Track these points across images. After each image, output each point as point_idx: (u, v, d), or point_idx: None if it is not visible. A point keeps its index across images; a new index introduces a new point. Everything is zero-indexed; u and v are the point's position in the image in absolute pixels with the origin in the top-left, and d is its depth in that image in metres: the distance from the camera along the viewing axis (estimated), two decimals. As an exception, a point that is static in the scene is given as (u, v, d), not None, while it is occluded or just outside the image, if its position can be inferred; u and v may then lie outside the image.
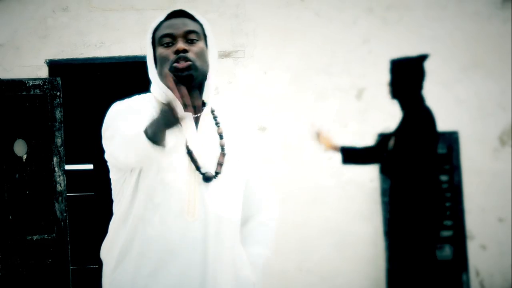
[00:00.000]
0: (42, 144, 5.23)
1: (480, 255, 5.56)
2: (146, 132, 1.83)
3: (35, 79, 5.29)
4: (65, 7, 5.64)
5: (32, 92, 5.25)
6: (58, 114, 5.27)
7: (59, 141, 5.24)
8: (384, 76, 5.63)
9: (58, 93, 5.28)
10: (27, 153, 5.22)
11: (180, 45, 2.04)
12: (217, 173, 2.04)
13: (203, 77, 2.09)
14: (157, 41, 2.10)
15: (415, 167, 4.12)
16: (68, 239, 5.25)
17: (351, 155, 4.57)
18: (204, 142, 2.06)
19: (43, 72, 5.56)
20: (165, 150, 1.86)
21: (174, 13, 2.12)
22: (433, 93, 5.33)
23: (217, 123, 2.11)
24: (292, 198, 5.59)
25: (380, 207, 5.52)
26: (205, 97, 2.11)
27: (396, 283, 4.42)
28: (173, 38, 2.06)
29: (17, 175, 5.19)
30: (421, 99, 4.29)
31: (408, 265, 4.16)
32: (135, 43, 5.59)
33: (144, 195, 2.02)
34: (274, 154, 5.62)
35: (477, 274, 5.56)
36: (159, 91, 2.08)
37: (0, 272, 5.11)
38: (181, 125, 1.89)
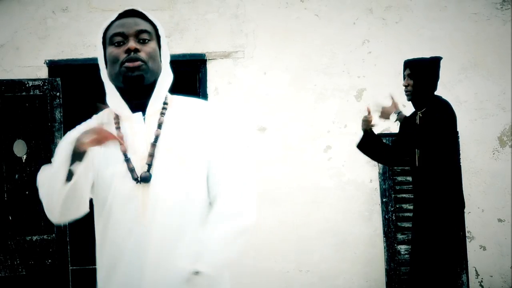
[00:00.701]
0: (41, 145, 5.23)
1: (479, 255, 5.56)
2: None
3: (34, 80, 5.29)
4: (65, 7, 5.64)
5: (31, 93, 5.25)
6: (58, 114, 5.27)
7: (58, 141, 5.23)
8: (384, 77, 5.65)
9: (58, 94, 5.28)
10: (27, 153, 5.22)
11: (132, 44, 1.99)
12: (149, 166, 1.98)
13: (155, 77, 2.03)
14: (108, 40, 2.05)
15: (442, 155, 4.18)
16: (68, 239, 5.25)
17: (369, 144, 4.53)
18: (146, 140, 2.01)
19: (43, 73, 5.56)
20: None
21: (126, 13, 2.08)
22: (433, 93, 5.34)
23: (161, 113, 2.04)
24: (291, 198, 5.58)
25: (380, 207, 5.52)
26: (155, 97, 2.04)
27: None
28: (125, 37, 2.02)
29: (16, 176, 5.19)
30: (436, 99, 4.31)
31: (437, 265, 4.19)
32: (135, 43, 5.59)
33: (100, 206, 2.05)
34: (274, 155, 5.62)
35: (477, 274, 5.55)
36: (112, 98, 2.06)
37: (0, 272, 5.11)
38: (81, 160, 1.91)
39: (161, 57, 2.07)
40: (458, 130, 5.52)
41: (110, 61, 2.02)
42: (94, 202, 2.09)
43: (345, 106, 5.66)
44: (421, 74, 4.26)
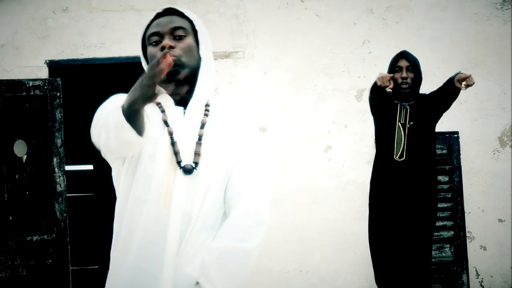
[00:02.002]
0: (42, 145, 5.24)
1: (480, 255, 5.56)
2: (123, 106, 1.87)
3: (35, 80, 5.29)
4: (65, 7, 5.64)
5: (32, 93, 5.25)
6: (58, 114, 5.27)
7: (59, 141, 5.24)
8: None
9: (58, 94, 5.28)
10: (27, 153, 5.22)
11: (166, 41, 2.05)
12: (196, 163, 2.02)
13: (192, 72, 2.09)
14: (146, 41, 2.13)
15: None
16: (68, 239, 5.25)
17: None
18: (188, 134, 2.06)
19: (43, 73, 5.56)
20: (144, 132, 1.90)
21: (163, 12, 2.13)
22: (433, 93, 5.34)
23: (205, 114, 2.10)
24: (292, 199, 5.59)
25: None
26: (197, 91, 2.10)
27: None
28: (160, 36, 2.08)
29: (17, 176, 5.19)
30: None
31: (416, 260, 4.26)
32: (135, 43, 5.57)
33: (127, 188, 2.07)
34: (274, 155, 5.62)
35: (477, 274, 5.55)
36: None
37: (1, 273, 5.11)
38: (156, 103, 1.96)
39: (200, 51, 2.12)
40: (457, 130, 5.57)
41: (150, 60, 2.09)
42: (127, 160, 2.09)
43: (345, 106, 5.66)
44: (419, 68, 4.38)
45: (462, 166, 5.56)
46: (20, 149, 5.22)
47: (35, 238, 5.18)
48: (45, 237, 5.18)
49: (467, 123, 5.60)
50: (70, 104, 7.22)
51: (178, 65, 2.04)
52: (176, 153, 2.02)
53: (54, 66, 5.59)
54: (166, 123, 2.06)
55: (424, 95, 4.44)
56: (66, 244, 5.22)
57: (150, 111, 2.01)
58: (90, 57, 5.61)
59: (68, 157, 5.76)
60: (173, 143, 2.03)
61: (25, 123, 5.24)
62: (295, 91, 5.67)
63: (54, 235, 5.20)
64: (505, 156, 5.63)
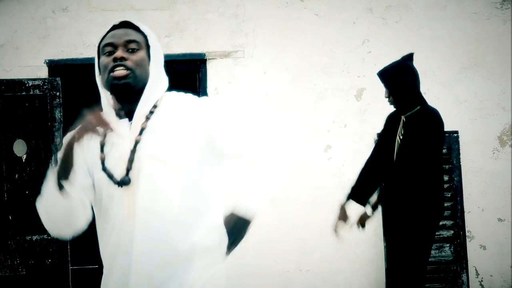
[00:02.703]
0: (41, 144, 5.23)
1: (479, 255, 5.56)
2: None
3: (34, 79, 5.29)
4: (64, 7, 5.64)
5: (31, 92, 5.25)
6: (58, 114, 5.27)
7: (58, 141, 5.24)
8: (384, 76, 5.65)
9: (58, 93, 5.28)
10: (27, 153, 5.22)
11: (119, 53, 2.10)
12: (128, 170, 2.09)
13: (143, 84, 2.13)
14: (100, 50, 2.17)
15: (423, 169, 4.02)
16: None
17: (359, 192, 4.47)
18: (128, 146, 2.11)
19: (43, 72, 5.56)
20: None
21: (119, 24, 2.18)
22: (433, 93, 5.34)
23: (147, 118, 2.13)
24: (291, 198, 5.58)
25: (380, 207, 5.51)
26: (142, 104, 2.13)
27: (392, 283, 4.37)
28: (114, 47, 2.12)
29: (16, 175, 5.19)
30: (422, 101, 4.16)
31: (404, 266, 4.13)
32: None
33: (97, 208, 2.19)
34: (274, 155, 5.61)
35: (477, 274, 5.55)
36: (104, 105, 2.18)
37: (1, 272, 5.11)
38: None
39: (150, 65, 2.16)
40: (457, 129, 5.56)
41: (102, 70, 2.14)
42: (93, 205, 2.21)
43: (345, 106, 5.66)
44: (394, 81, 4.14)
45: (461, 166, 5.56)
46: (19, 148, 5.21)
47: (34, 237, 5.18)
48: (45, 236, 5.18)
49: (466, 122, 5.60)
50: (70, 103, 7.21)
51: (129, 78, 2.08)
52: (110, 176, 2.10)
53: (53, 65, 5.59)
54: (102, 148, 2.14)
55: (426, 110, 4.11)
56: (66, 244, 5.22)
57: (88, 143, 2.13)
58: (90, 56, 5.59)
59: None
60: (104, 169, 2.11)
61: (24, 123, 5.24)
62: (295, 90, 5.67)
63: (53, 234, 5.21)
64: (504, 156, 5.63)
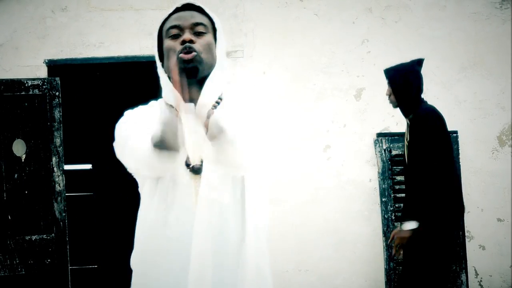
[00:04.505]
0: (41, 144, 5.23)
1: (479, 255, 5.56)
2: (155, 145, 1.90)
3: (34, 79, 5.29)
4: (64, 7, 5.63)
5: (31, 92, 5.25)
6: (57, 114, 5.27)
7: (58, 141, 5.23)
8: (383, 76, 5.64)
9: (57, 93, 5.28)
10: (26, 153, 5.22)
11: (187, 35, 2.01)
12: (202, 161, 2.00)
13: (209, 70, 2.06)
14: (164, 33, 2.08)
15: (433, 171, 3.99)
16: (67, 239, 5.25)
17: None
18: (195, 132, 2.01)
19: (42, 72, 5.56)
20: (176, 154, 1.92)
21: (183, 6, 2.09)
22: (432, 93, 5.34)
23: (213, 107, 2.06)
24: (291, 198, 5.59)
25: (379, 207, 5.52)
26: (207, 91, 2.05)
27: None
28: (180, 29, 2.04)
29: (16, 175, 5.19)
30: (422, 102, 4.18)
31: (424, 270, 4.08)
32: (134, 43, 5.59)
33: (158, 196, 2.04)
34: (273, 154, 5.61)
35: (476, 274, 5.56)
36: (165, 89, 2.09)
37: (0, 272, 5.11)
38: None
39: (216, 50, 2.09)
40: (457, 129, 5.56)
41: (167, 53, 2.05)
42: (149, 180, 2.08)
43: (344, 106, 5.66)
44: (399, 81, 4.16)
45: (461, 166, 5.55)
46: (19, 148, 5.21)
47: (34, 237, 5.18)
48: (44, 236, 5.18)
49: (466, 122, 5.60)
50: (69, 103, 7.21)
51: (197, 61, 2.01)
52: (186, 159, 2.01)
53: (53, 65, 5.59)
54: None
55: (421, 112, 4.12)
56: (65, 244, 5.22)
57: (160, 111, 2.00)
58: (89, 56, 5.60)
59: (67, 156, 5.76)
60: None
61: (24, 123, 5.24)
62: (294, 90, 5.67)
63: (53, 234, 5.20)
64: (504, 156, 5.63)
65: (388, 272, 5.41)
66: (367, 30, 5.71)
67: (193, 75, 2.01)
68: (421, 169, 3.99)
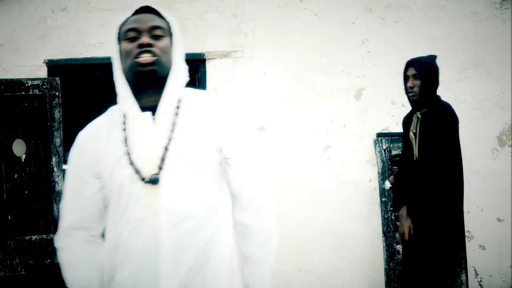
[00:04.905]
0: (41, 144, 5.23)
1: (479, 255, 5.56)
2: None
3: (34, 79, 5.29)
4: (64, 7, 5.63)
5: (31, 92, 5.25)
6: (57, 114, 5.27)
7: (58, 141, 5.23)
8: (383, 76, 5.65)
9: (57, 93, 5.28)
10: (26, 153, 5.22)
11: (145, 39, 2.01)
12: (160, 168, 1.99)
13: (167, 73, 2.05)
14: (122, 35, 2.07)
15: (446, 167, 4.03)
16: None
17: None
18: (155, 142, 2.01)
19: (42, 72, 5.56)
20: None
21: (141, 9, 2.09)
22: (432, 93, 5.34)
23: (176, 113, 2.05)
24: (291, 198, 5.58)
25: (379, 207, 5.52)
26: (167, 95, 2.04)
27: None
28: (138, 32, 2.04)
29: (16, 175, 5.19)
30: (438, 97, 4.20)
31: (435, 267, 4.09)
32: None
33: (113, 205, 2.07)
34: (273, 154, 5.62)
35: (476, 274, 5.56)
36: (120, 94, 2.08)
37: (0, 272, 5.10)
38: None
39: (173, 53, 2.09)
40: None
41: (124, 56, 2.04)
42: (107, 203, 2.11)
43: (344, 106, 5.66)
44: (428, 73, 4.15)
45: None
46: (19, 148, 5.21)
47: (34, 237, 5.18)
48: (44, 236, 5.18)
49: (466, 122, 5.60)
50: (69, 103, 7.21)
51: (155, 64, 2.00)
52: (137, 172, 2.00)
53: (53, 65, 5.59)
54: (125, 142, 2.02)
55: (440, 106, 4.15)
56: (65, 244, 5.22)
57: (109, 132, 2.04)
58: (89, 56, 5.60)
59: (67, 156, 5.76)
60: (131, 163, 2.00)
61: (24, 123, 5.24)
62: (294, 90, 5.67)
63: (52, 234, 5.20)
64: (504, 156, 5.63)
65: (388, 272, 5.40)
66: (367, 30, 5.71)
67: (150, 78, 2.00)
68: (438, 162, 4.02)
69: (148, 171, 1.99)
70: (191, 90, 2.13)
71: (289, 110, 5.65)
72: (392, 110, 5.58)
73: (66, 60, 5.59)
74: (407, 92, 4.25)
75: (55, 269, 5.19)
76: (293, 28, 5.70)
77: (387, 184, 4.35)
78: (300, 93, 5.67)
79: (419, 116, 4.18)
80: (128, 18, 2.08)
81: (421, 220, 4.12)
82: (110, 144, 2.03)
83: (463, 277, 5.44)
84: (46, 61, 5.58)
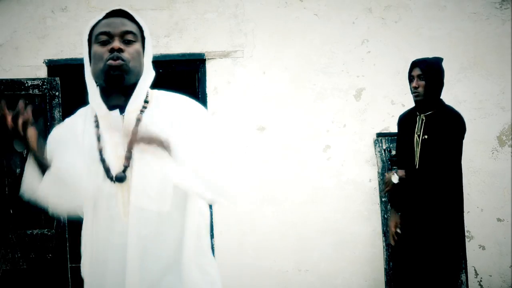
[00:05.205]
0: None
1: (478, 255, 5.55)
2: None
3: (34, 79, 5.29)
4: (64, 7, 5.64)
5: (31, 92, 5.25)
6: (57, 114, 5.27)
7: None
8: (383, 76, 5.65)
9: (57, 93, 5.28)
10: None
11: (116, 44, 2.03)
12: (125, 167, 2.02)
13: (136, 78, 2.07)
14: (93, 39, 2.09)
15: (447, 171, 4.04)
16: (67, 236, 5.25)
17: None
18: (124, 139, 2.02)
19: (42, 72, 5.56)
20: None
21: (113, 12, 2.11)
22: (432, 92, 5.34)
23: (141, 111, 2.08)
24: (290, 198, 5.58)
25: (379, 207, 5.51)
26: (135, 97, 2.07)
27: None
28: (110, 36, 2.06)
29: (17, 170, 5.20)
30: (441, 102, 4.20)
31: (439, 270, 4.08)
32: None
33: (87, 203, 2.11)
34: (273, 154, 5.62)
35: (476, 274, 5.55)
36: (91, 95, 2.12)
37: (1, 266, 5.11)
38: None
39: (144, 58, 2.11)
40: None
41: (94, 59, 2.06)
42: (84, 202, 2.14)
43: (344, 106, 5.66)
44: (433, 74, 4.14)
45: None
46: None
47: (35, 231, 5.19)
48: (45, 231, 5.20)
49: (466, 122, 5.59)
50: (69, 103, 7.21)
51: (125, 70, 2.02)
52: (107, 170, 2.03)
53: (53, 65, 5.59)
54: (98, 138, 2.06)
55: (446, 110, 4.15)
56: (65, 240, 5.23)
57: (83, 130, 2.08)
58: (89, 56, 5.60)
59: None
60: (102, 160, 2.04)
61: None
62: (294, 90, 5.67)
63: (53, 230, 5.21)
64: (504, 156, 5.63)
65: (388, 272, 5.40)
66: (367, 30, 5.72)
67: (120, 82, 2.03)
68: (443, 170, 4.01)
69: (116, 169, 2.03)
70: (161, 91, 2.16)
71: (289, 110, 5.66)
72: (392, 110, 5.58)
73: (66, 60, 5.60)
74: (412, 92, 4.24)
75: (56, 264, 5.20)
76: (293, 28, 5.71)
77: (395, 178, 4.33)
78: (300, 93, 5.67)
79: (424, 118, 4.16)
80: (100, 21, 2.10)
81: (421, 221, 4.11)
82: (85, 142, 2.08)
83: (463, 277, 5.44)
84: (46, 61, 5.59)
